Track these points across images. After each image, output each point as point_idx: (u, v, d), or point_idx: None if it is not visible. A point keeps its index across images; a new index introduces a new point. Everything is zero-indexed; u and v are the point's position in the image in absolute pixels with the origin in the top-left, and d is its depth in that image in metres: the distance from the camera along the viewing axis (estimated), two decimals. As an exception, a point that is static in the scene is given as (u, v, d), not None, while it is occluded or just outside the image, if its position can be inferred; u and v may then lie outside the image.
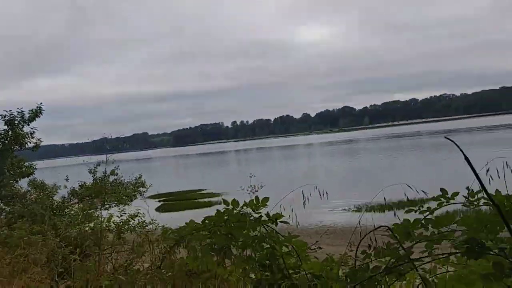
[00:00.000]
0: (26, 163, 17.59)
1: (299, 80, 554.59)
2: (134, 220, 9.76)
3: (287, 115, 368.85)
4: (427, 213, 3.08)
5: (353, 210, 27.48)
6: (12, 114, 14.90)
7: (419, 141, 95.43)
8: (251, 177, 25.33)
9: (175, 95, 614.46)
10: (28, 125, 15.14)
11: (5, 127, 14.97)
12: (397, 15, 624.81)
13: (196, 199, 39.67)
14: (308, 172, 49.95)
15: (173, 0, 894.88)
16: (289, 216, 4.10)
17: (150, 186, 22.04)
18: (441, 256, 2.84)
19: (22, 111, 15.01)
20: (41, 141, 15.79)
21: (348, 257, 4.36)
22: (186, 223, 4.22)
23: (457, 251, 2.57)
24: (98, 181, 18.61)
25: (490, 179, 3.28)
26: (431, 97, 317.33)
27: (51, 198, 15.90)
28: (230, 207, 3.84)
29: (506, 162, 3.44)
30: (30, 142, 15.34)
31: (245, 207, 3.85)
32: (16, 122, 14.93)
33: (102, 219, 8.85)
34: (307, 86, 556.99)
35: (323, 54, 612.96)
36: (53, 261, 6.20)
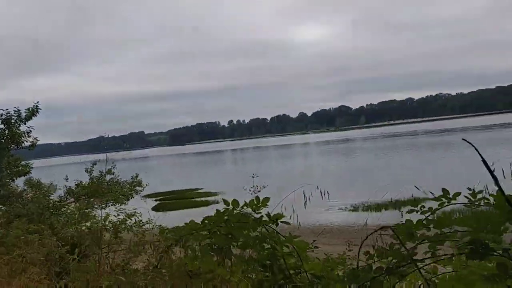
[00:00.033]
0: (23, 162, 17.52)
1: (299, 80, 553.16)
2: (131, 219, 9.75)
3: (284, 114, 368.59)
4: (429, 213, 3.07)
5: (349, 210, 27.45)
6: (9, 113, 14.88)
7: (415, 140, 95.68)
8: (253, 177, 25.03)
9: (175, 95, 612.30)
10: (25, 124, 15.12)
11: (2, 125, 14.94)
12: (397, 15, 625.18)
13: (193, 198, 39.58)
14: (305, 172, 49.91)
15: (173, 0, 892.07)
16: (290, 216, 4.09)
17: (146, 185, 21.98)
18: (444, 257, 2.83)
19: (19, 110, 15.01)
20: (38, 140, 15.79)
21: (347, 257, 4.36)
22: (185, 223, 4.19)
23: (461, 252, 2.56)
24: (94, 180, 18.53)
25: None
26: (427, 96, 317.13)
27: (47, 197, 15.82)
28: (231, 207, 3.83)
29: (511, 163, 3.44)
30: (26, 141, 15.31)
31: (245, 207, 3.84)
32: (12, 121, 14.90)
33: (99, 218, 8.82)
34: (306, 86, 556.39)
35: (322, 54, 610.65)
36: (51, 260, 6.17)
